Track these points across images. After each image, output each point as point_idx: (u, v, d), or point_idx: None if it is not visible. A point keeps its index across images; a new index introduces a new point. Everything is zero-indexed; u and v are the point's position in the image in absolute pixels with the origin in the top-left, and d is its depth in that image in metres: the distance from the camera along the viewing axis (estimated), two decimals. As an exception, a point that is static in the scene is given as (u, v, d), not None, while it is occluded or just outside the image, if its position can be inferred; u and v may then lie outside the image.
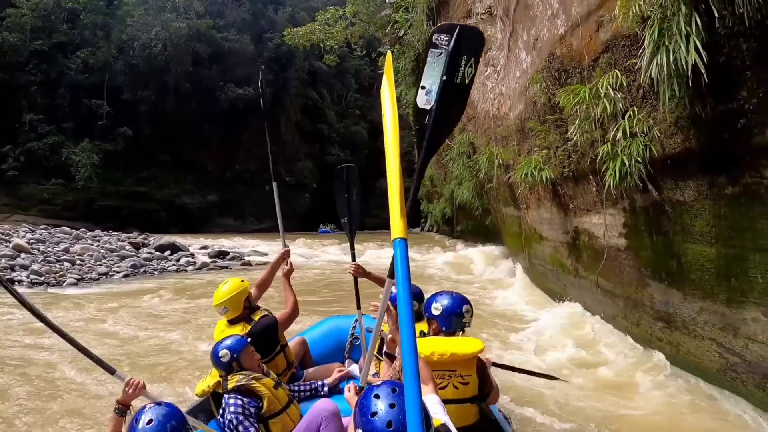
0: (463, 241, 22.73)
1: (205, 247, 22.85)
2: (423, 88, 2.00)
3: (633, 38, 4.37)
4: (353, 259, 4.02)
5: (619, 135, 4.26)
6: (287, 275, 3.97)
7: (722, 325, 4.11)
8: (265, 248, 24.00)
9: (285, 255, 4.06)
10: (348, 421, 2.71)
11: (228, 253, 20.61)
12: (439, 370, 2.56)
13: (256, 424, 2.79)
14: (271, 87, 56.19)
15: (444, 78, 1.90)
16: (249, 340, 3.06)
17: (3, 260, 13.76)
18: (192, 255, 19.82)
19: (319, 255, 22.54)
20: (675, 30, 3.36)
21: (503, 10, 8.34)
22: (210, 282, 13.20)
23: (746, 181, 3.64)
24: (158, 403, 2.22)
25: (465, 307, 2.96)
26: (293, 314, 3.83)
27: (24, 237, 19.01)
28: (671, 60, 3.36)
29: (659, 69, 3.48)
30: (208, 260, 18.85)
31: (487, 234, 17.49)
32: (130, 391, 2.43)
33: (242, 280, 3.71)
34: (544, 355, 5.78)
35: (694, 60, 3.25)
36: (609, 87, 4.41)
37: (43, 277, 13.01)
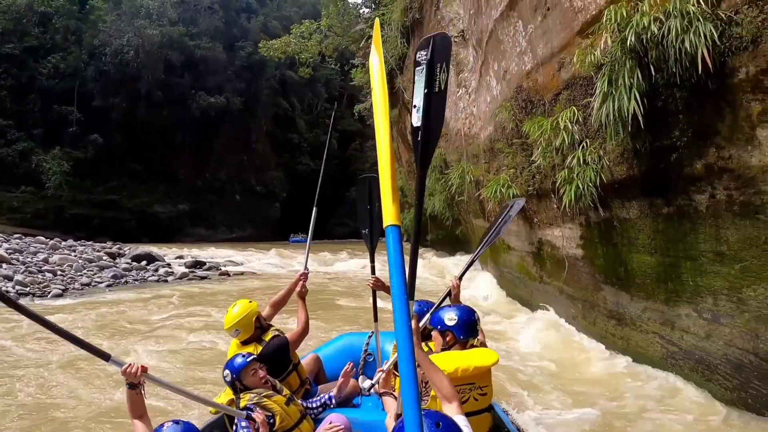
0: (433, 249, 23.42)
1: (180, 257, 22.97)
2: (414, 107, 2.04)
3: (589, 80, 5.17)
4: (372, 272, 4.05)
5: (575, 163, 5.07)
6: (302, 296, 4.01)
7: (662, 320, 4.92)
8: (240, 258, 24.27)
9: (303, 278, 4.08)
10: None
11: (204, 263, 20.81)
12: (460, 384, 2.51)
13: None
14: (243, 96, 56.34)
15: (425, 91, 1.98)
16: (252, 358, 3.10)
17: None
18: (168, 265, 19.93)
19: (293, 265, 22.78)
20: (621, 81, 4.16)
21: (476, 40, 9.17)
22: (199, 293, 13.61)
23: (678, 203, 4.46)
24: (176, 422, 2.29)
25: (477, 315, 3.00)
26: (304, 333, 3.86)
27: (0, 247, 18.94)
28: (616, 107, 4.17)
29: (607, 114, 4.29)
30: (186, 270, 18.95)
31: (457, 243, 18.27)
32: (130, 376, 2.38)
33: (250, 302, 3.73)
34: (513, 355, 6.52)
35: (634, 109, 4.05)
36: (567, 121, 5.22)
37: (29, 288, 13.09)
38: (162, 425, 2.24)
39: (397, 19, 18.07)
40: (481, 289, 11.94)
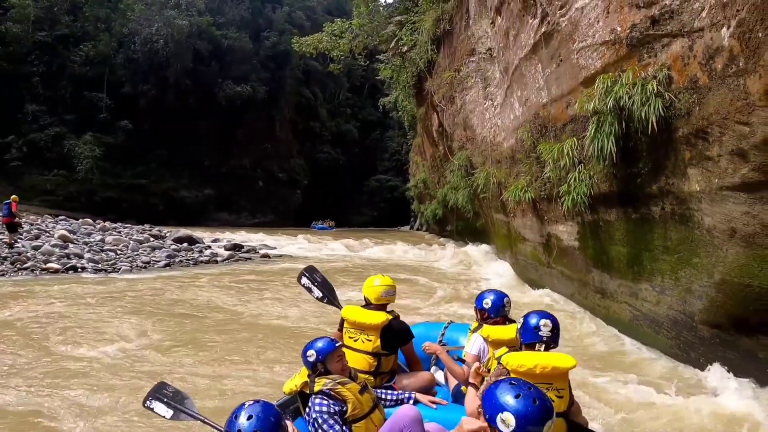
0: (452, 239, 25.14)
1: (216, 240, 23.70)
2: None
3: (586, 119, 7.18)
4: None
5: (573, 179, 7.15)
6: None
7: (630, 293, 7.00)
8: (271, 242, 25.28)
9: None
10: (434, 427, 3.03)
11: (242, 246, 21.41)
12: (539, 382, 2.43)
13: (340, 423, 2.84)
14: (267, 85, 57.91)
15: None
16: (340, 344, 3.11)
17: (57, 250, 15.31)
18: (209, 247, 20.76)
19: (324, 249, 24.25)
20: (604, 129, 6.19)
21: (504, 68, 11.16)
22: (260, 270, 15.21)
23: (642, 211, 6.51)
24: (256, 401, 2.31)
25: (543, 321, 3.06)
26: (420, 383, 3.82)
27: (62, 228, 20.54)
28: (599, 147, 6.21)
29: (593, 150, 6.33)
30: (231, 252, 19.88)
31: (475, 233, 20.17)
32: None
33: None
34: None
35: (612, 149, 6.09)
36: (570, 148, 7.26)
37: (100, 264, 14.55)
38: (243, 404, 2.30)
39: (429, 27, 19.73)
40: (498, 274, 14.01)
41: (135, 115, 49.16)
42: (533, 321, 3.04)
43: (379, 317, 3.81)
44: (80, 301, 9.61)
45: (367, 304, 4.00)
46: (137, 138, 48.63)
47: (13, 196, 16.35)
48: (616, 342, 7.17)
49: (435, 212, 26.10)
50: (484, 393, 1.97)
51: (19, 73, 45.05)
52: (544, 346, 2.97)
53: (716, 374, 5.48)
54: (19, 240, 16.12)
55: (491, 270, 15.10)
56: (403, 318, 4.06)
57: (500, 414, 1.83)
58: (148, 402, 3.02)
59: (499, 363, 2.86)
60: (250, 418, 2.19)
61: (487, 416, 1.88)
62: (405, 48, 23.61)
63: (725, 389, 5.22)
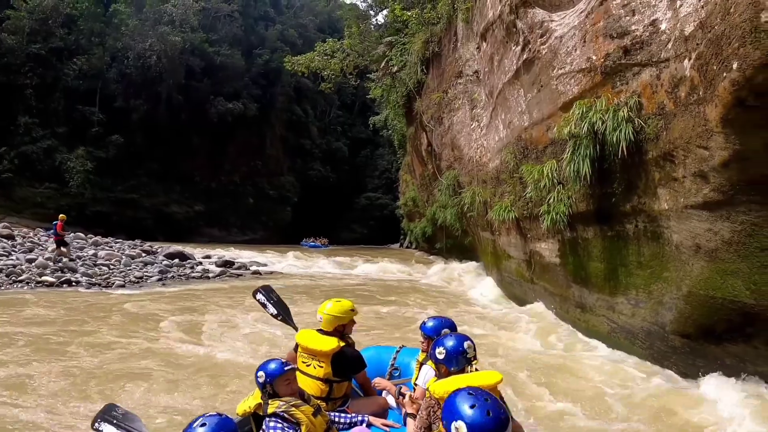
0: (441, 257, 25.31)
1: (207, 257, 23.40)
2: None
3: (565, 142, 7.59)
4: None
5: (552, 200, 7.55)
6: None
7: (607, 307, 7.36)
8: (262, 259, 24.79)
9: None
10: None
11: (233, 263, 21.31)
12: None
13: None
14: (258, 102, 58.30)
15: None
16: (291, 368, 3.06)
17: (51, 263, 15.27)
18: (200, 263, 20.63)
19: (314, 267, 23.95)
20: (579, 152, 6.59)
21: (489, 91, 11.62)
22: (248, 287, 15.12)
23: (617, 229, 6.90)
24: (216, 414, 2.31)
25: (467, 344, 3.03)
26: (374, 407, 3.77)
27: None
28: (575, 168, 6.61)
29: (570, 171, 6.74)
30: (222, 269, 19.58)
31: (463, 251, 20.45)
32: None
33: (353, 307, 3.96)
34: (511, 332, 8.93)
35: (588, 170, 6.49)
36: (550, 170, 7.67)
37: (94, 279, 14.48)
38: (202, 415, 2.29)
39: (419, 49, 20.25)
40: (484, 290, 14.31)
41: (127, 129, 49.11)
42: (456, 346, 3.00)
43: (330, 344, 3.70)
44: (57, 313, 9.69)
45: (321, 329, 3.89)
46: (128, 152, 48.54)
47: (61, 215, 17.41)
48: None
49: (424, 230, 26.36)
50: (446, 400, 2.06)
51: (13, 84, 44.85)
52: (472, 365, 2.98)
53: (690, 381, 5.85)
54: (65, 257, 16.73)
55: (478, 286, 15.38)
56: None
57: (454, 422, 1.90)
58: (96, 424, 2.93)
59: (426, 392, 2.94)
60: (203, 426, 2.22)
61: (444, 422, 1.94)
62: (395, 68, 24.09)
63: (696, 392, 5.58)
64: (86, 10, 50.97)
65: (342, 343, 3.74)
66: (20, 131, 44.84)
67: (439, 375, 3.08)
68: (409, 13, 21.25)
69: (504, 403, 2.76)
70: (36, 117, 46.06)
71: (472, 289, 15.26)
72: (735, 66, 4.04)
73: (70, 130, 46.85)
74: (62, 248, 17.14)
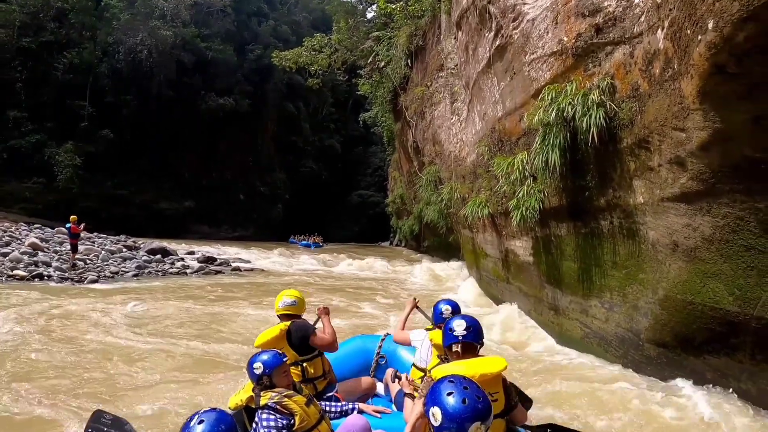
0: (428, 255, 25.06)
1: (191, 253, 23.50)
2: None
3: (537, 132, 7.01)
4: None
5: (522, 194, 6.94)
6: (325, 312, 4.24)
7: (581, 310, 6.77)
8: (246, 256, 25.00)
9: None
10: None
11: (215, 260, 21.27)
12: None
13: None
14: (250, 98, 57.73)
15: None
16: (287, 359, 3.10)
17: (26, 257, 15.12)
18: (182, 259, 20.59)
19: (297, 264, 23.59)
20: (549, 141, 6.01)
21: (465, 83, 11.03)
22: (224, 284, 15.01)
23: (592, 225, 6.31)
24: (212, 409, 2.30)
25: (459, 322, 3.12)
26: (331, 345, 3.95)
27: (34, 237, 20.20)
28: (544, 159, 6.02)
29: (539, 162, 6.14)
30: (201, 265, 19.51)
31: (450, 249, 20.00)
32: None
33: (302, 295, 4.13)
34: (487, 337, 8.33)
35: (557, 161, 5.90)
36: (521, 162, 7.07)
37: (67, 273, 14.38)
38: (198, 412, 2.29)
39: (403, 43, 19.82)
40: (464, 289, 13.76)
41: (117, 124, 48.39)
42: (448, 321, 3.15)
43: (278, 328, 3.84)
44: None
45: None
46: (118, 147, 47.89)
47: (72, 216, 16.73)
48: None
49: (412, 228, 25.93)
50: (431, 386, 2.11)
51: (2, 78, 44.27)
52: (461, 346, 3.03)
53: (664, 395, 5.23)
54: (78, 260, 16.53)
55: (460, 287, 14.88)
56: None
57: (431, 408, 1.97)
58: None
59: (429, 377, 2.93)
60: (201, 422, 2.20)
61: (425, 408, 2.01)
62: (382, 63, 23.69)
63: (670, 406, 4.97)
64: (77, 4, 49.93)
65: (287, 323, 3.88)
66: (9, 125, 44.31)
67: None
68: (393, 6, 20.74)
69: (512, 389, 2.89)
70: (25, 111, 45.36)
71: (453, 288, 14.77)
72: (711, 25, 3.43)
73: (60, 124, 46.08)
74: (74, 254, 16.50)
